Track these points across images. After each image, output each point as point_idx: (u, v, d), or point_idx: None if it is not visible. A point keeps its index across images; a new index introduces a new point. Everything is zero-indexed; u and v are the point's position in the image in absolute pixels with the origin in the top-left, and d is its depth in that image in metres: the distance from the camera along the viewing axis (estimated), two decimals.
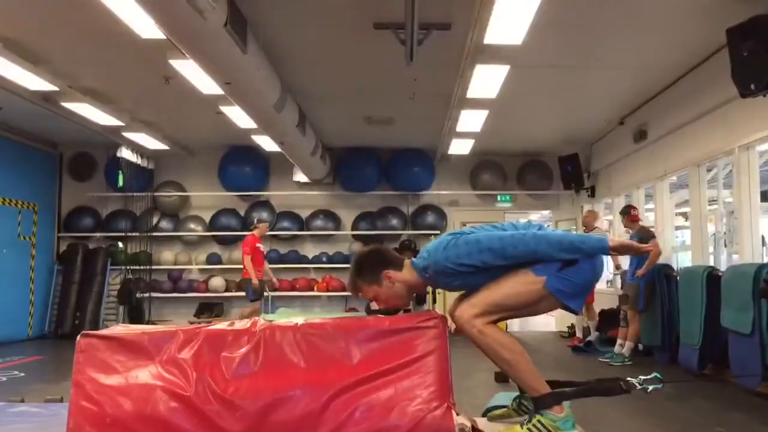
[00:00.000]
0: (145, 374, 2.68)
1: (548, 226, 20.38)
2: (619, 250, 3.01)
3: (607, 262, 10.47)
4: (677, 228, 10.83)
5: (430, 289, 12.18)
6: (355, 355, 2.77)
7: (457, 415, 2.71)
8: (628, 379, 2.92)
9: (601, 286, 11.51)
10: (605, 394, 3.07)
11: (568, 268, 2.84)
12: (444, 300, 12.29)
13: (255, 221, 10.32)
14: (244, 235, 12.33)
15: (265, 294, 10.23)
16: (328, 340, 2.81)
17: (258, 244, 9.87)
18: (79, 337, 2.83)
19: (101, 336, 2.85)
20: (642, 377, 2.90)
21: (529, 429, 2.80)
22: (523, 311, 3.00)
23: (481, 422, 3.10)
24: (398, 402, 2.65)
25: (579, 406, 2.92)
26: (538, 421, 2.80)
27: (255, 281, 9.57)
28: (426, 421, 2.61)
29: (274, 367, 2.73)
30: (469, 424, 2.81)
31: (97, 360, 2.74)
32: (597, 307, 10.51)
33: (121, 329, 2.99)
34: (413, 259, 3.06)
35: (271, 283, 10.47)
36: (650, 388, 2.88)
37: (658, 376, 2.89)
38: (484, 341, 2.82)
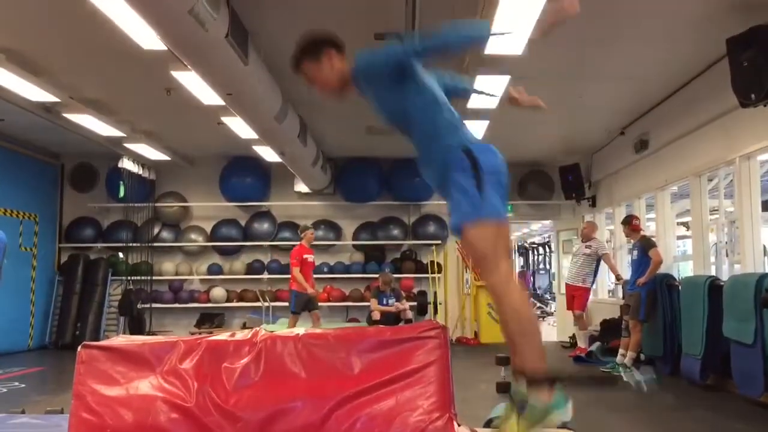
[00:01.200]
0: (145, 385, 2.68)
1: (549, 236, 20.16)
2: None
3: (608, 272, 10.49)
4: (679, 238, 10.83)
5: (431, 299, 12.20)
6: (356, 366, 2.76)
7: (459, 425, 2.70)
8: (624, 377, 2.92)
9: (602, 296, 11.53)
10: (598, 383, 3.05)
11: (480, 192, 2.87)
12: (445, 310, 12.29)
13: (299, 230, 10.16)
14: (245, 246, 12.42)
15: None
16: (329, 351, 2.80)
17: (306, 255, 9.67)
18: (79, 348, 2.83)
19: (102, 347, 2.84)
20: (638, 376, 2.90)
21: (524, 418, 2.76)
22: (501, 238, 2.97)
23: None
24: (400, 412, 2.64)
25: (581, 417, 2.91)
26: (532, 406, 2.75)
27: (311, 291, 9.46)
28: (427, 431, 2.60)
29: (275, 378, 2.73)
30: None
31: (97, 371, 2.74)
32: (598, 317, 10.52)
33: (121, 340, 2.98)
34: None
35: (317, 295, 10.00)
36: (646, 387, 2.87)
37: (653, 376, 2.89)
38: (513, 296, 2.79)
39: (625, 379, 2.88)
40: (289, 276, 12.14)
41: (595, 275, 9.79)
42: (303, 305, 9.52)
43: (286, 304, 12.01)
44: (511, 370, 2.93)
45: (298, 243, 9.89)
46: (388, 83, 2.98)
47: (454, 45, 3.01)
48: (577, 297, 9.56)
